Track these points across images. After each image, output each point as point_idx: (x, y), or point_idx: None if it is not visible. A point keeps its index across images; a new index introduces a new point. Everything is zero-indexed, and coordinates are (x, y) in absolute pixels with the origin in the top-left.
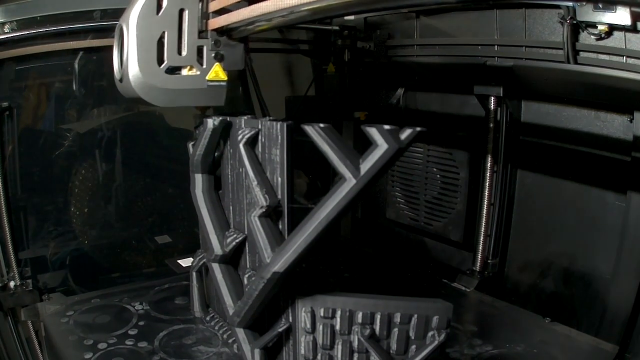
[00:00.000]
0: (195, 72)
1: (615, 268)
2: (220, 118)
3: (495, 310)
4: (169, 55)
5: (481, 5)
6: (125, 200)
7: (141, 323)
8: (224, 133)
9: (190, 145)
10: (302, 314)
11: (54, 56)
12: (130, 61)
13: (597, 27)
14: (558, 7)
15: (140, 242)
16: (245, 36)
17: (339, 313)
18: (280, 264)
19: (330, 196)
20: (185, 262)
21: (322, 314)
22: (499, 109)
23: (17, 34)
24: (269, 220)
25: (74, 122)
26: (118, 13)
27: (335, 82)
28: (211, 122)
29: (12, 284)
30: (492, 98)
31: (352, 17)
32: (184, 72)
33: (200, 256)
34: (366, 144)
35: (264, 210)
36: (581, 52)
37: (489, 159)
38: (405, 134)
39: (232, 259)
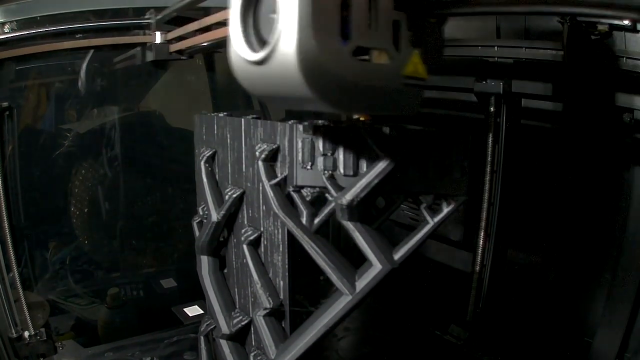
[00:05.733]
0: (386, 60)
1: (615, 268)
2: (223, 212)
3: None
4: (356, 29)
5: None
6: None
7: None
8: (228, 224)
9: (195, 223)
10: None
11: (54, 56)
12: (291, 26)
13: (597, 27)
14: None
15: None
16: (445, 17)
17: None
18: None
19: (327, 309)
20: (191, 311)
21: None
22: (499, 109)
23: (17, 34)
24: (273, 318)
25: (73, 122)
26: (118, 13)
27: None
28: (215, 216)
29: (26, 333)
30: (492, 98)
31: None
32: (372, 57)
33: (208, 322)
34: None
35: (267, 311)
36: (581, 52)
37: (489, 158)
38: (400, 254)
39: (238, 335)
